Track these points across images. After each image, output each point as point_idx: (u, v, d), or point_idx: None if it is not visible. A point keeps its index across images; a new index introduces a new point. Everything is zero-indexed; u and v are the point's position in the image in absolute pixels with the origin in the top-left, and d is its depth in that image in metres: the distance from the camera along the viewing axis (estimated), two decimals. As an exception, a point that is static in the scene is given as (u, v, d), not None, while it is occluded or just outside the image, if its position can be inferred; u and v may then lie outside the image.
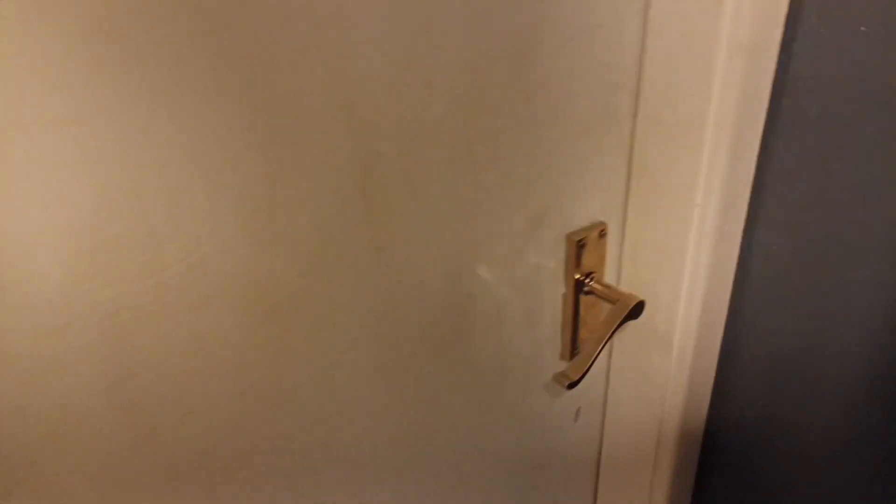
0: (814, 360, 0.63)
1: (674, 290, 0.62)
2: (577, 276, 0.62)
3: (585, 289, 0.63)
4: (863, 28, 0.45)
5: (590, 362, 0.58)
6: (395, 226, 0.46)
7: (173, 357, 0.37)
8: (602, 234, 0.62)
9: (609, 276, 0.66)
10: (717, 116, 0.52)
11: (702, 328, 0.64)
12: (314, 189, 0.40)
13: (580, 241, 0.60)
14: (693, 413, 0.71)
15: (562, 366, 0.68)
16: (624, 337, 0.71)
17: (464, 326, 0.55)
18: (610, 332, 0.59)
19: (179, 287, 0.36)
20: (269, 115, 0.36)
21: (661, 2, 0.53)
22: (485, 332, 0.58)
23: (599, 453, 0.83)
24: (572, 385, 0.58)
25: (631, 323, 0.67)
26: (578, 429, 0.77)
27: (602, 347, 0.59)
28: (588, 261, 0.62)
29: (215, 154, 0.35)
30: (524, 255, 0.57)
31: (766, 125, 0.55)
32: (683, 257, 0.60)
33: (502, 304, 0.58)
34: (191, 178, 0.35)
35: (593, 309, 0.66)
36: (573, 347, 0.67)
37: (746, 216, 0.61)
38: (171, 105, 0.32)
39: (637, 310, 0.60)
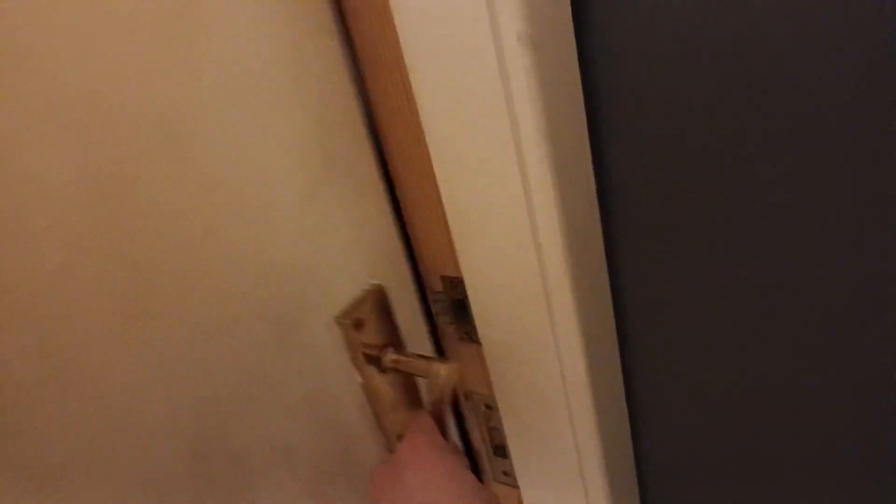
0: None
1: (538, 328, 0.45)
2: (368, 356, 0.49)
3: (384, 366, 0.50)
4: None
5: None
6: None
7: None
8: (382, 298, 0.49)
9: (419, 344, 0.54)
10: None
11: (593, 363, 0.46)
12: None
13: (356, 320, 0.47)
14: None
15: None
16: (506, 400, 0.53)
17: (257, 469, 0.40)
18: (444, 414, 0.46)
19: None
20: None
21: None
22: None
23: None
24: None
25: (509, 379, 0.52)
26: None
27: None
28: (376, 336, 0.49)
29: None
30: (292, 373, 0.43)
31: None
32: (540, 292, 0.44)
33: (291, 438, 0.43)
34: None
35: (408, 383, 0.54)
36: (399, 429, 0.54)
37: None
38: None
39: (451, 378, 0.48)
